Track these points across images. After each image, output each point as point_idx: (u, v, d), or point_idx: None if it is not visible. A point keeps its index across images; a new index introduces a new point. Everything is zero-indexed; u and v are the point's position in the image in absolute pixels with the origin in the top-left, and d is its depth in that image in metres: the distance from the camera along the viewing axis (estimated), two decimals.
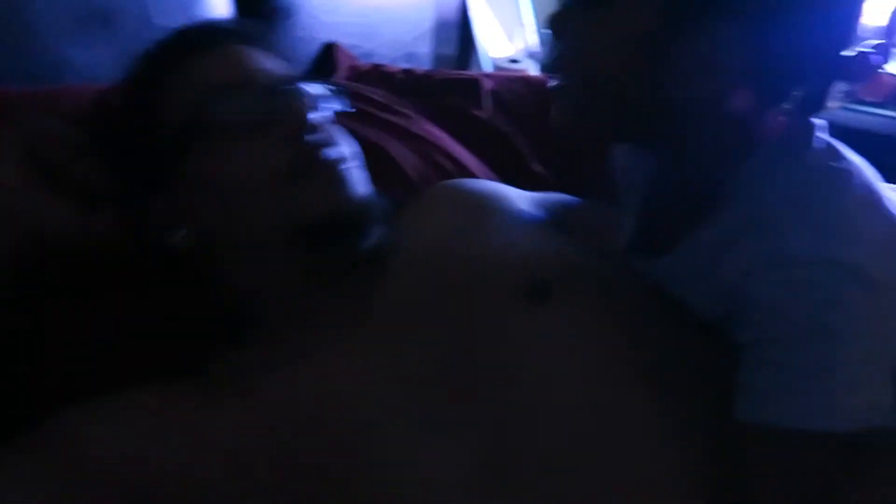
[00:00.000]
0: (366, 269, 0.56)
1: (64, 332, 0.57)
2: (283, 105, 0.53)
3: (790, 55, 0.40)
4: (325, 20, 1.08)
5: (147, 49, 0.60)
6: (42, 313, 0.57)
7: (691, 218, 0.47)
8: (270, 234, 0.53)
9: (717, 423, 0.45)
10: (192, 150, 0.53)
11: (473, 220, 0.58)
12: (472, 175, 0.81)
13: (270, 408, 0.48)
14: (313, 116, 0.54)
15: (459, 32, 1.42)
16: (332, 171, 0.53)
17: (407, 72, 1.06)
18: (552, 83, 0.48)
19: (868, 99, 0.44)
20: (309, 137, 0.53)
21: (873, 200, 0.43)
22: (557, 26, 0.46)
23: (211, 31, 0.60)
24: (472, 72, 1.29)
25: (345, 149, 0.56)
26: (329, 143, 0.54)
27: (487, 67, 1.45)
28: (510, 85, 1.02)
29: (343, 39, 1.11)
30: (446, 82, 1.03)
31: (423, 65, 1.25)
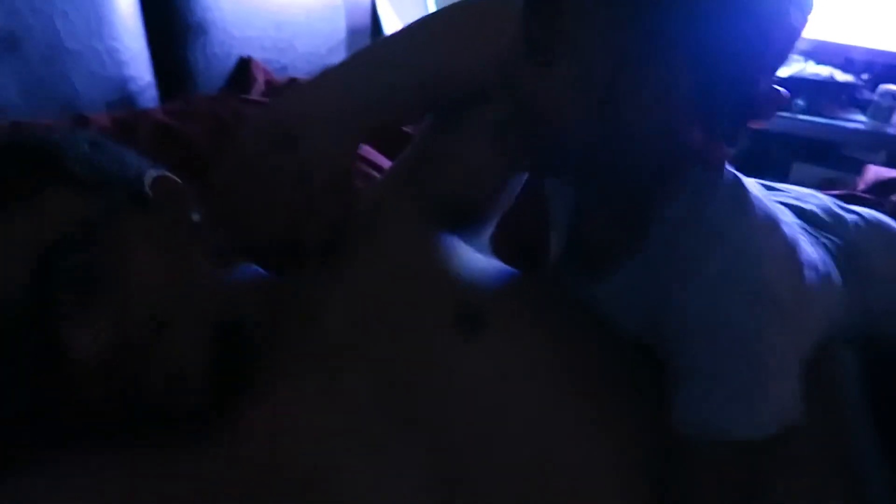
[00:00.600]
0: (310, 294, 0.56)
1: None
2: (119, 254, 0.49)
3: (730, 95, 0.42)
4: (238, 35, 1.08)
5: None
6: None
7: (621, 246, 0.51)
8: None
9: (651, 433, 0.48)
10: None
11: (408, 243, 0.58)
12: None
13: (226, 458, 0.48)
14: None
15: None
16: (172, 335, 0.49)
17: None
18: (498, 120, 0.50)
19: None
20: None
21: (773, 226, 0.49)
22: (508, 79, 0.46)
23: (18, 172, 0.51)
24: None
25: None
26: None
27: None
28: None
29: (258, 54, 1.11)
30: None
31: None
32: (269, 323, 0.55)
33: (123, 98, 0.91)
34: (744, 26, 0.40)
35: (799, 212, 0.57)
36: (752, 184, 0.51)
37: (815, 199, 0.60)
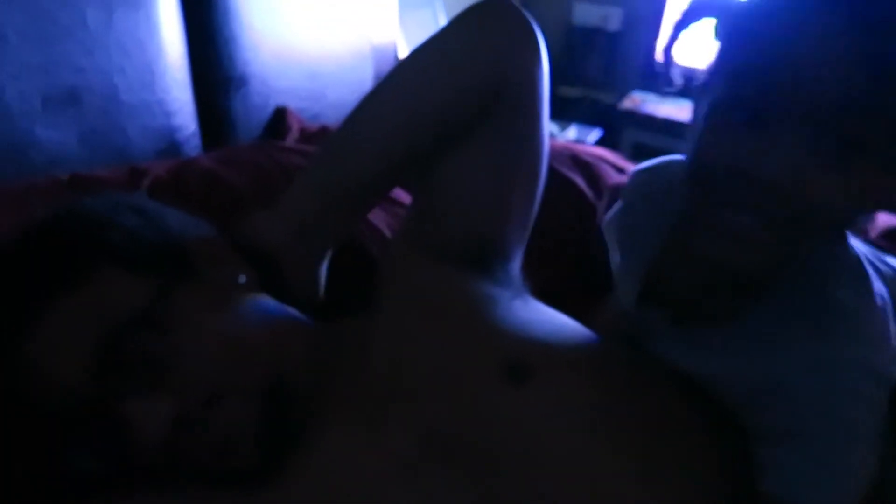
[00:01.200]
0: (353, 342, 0.59)
1: None
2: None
3: None
4: (275, 86, 1.14)
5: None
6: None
7: (739, 297, 0.51)
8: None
9: (701, 493, 0.49)
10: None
11: (454, 296, 0.60)
12: None
13: (291, 499, 0.50)
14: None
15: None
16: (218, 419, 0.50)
17: None
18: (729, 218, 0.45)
19: None
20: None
21: (885, 306, 0.49)
22: (792, 175, 0.42)
23: (72, 258, 0.52)
24: None
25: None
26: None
27: None
28: None
29: (293, 103, 1.18)
30: None
31: None
32: (314, 373, 0.57)
33: (170, 146, 0.97)
34: None
35: None
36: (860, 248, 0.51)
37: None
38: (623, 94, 2.29)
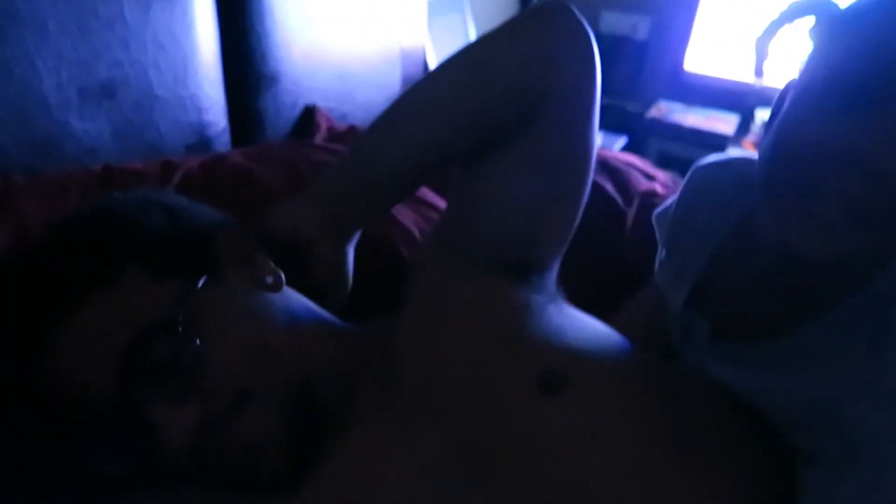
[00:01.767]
0: (384, 345, 0.58)
1: None
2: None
3: None
4: (305, 85, 1.14)
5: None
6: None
7: (796, 311, 0.49)
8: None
9: None
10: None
11: (487, 302, 0.59)
12: None
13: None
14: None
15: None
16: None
17: None
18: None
19: None
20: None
21: None
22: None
23: (102, 258, 0.52)
24: None
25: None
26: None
27: None
28: None
29: (322, 103, 1.18)
30: None
31: None
32: (342, 377, 0.56)
33: (201, 141, 0.97)
34: None
35: None
36: None
37: None
38: (649, 102, 2.28)
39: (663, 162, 2.03)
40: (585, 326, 0.60)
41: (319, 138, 1.13)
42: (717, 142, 2.09)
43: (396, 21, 1.34)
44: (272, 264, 0.56)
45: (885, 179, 0.40)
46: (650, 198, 1.04)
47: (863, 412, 0.45)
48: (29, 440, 0.53)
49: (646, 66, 2.31)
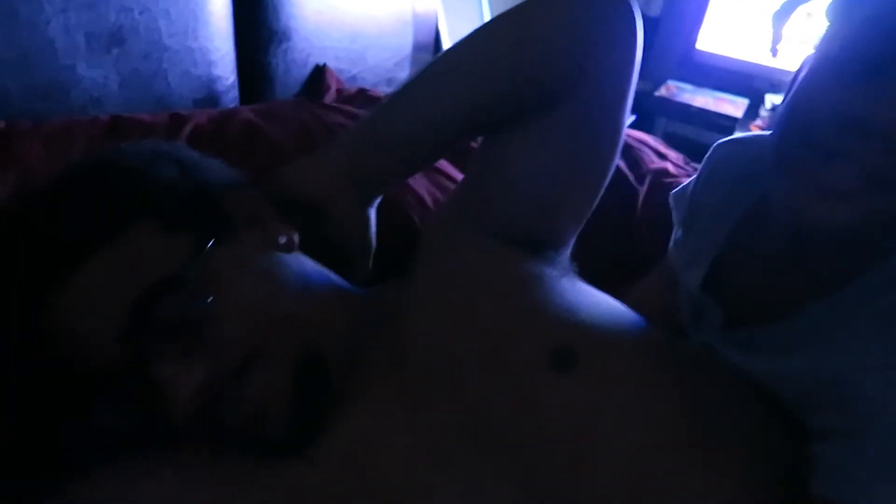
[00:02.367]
0: (394, 313, 0.57)
1: None
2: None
3: None
4: (317, 44, 1.11)
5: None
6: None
7: (810, 289, 0.48)
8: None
9: (752, 485, 0.47)
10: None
11: (499, 274, 0.58)
12: None
13: (321, 471, 0.49)
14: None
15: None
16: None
17: None
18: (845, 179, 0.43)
19: None
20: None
21: None
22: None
23: (109, 210, 0.50)
24: None
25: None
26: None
27: None
28: None
29: (332, 63, 1.15)
30: None
31: None
32: (352, 344, 0.55)
33: (209, 96, 0.95)
34: None
35: None
36: None
37: None
38: (659, 82, 2.25)
39: (670, 142, 2.01)
40: (598, 302, 0.59)
41: (329, 99, 1.11)
42: (725, 124, 2.07)
43: None
44: (286, 224, 0.54)
45: None
46: (662, 176, 1.03)
47: (876, 386, 0.45)
48: (33, 391, 0.52)
49: (657, 42, 2.27)
